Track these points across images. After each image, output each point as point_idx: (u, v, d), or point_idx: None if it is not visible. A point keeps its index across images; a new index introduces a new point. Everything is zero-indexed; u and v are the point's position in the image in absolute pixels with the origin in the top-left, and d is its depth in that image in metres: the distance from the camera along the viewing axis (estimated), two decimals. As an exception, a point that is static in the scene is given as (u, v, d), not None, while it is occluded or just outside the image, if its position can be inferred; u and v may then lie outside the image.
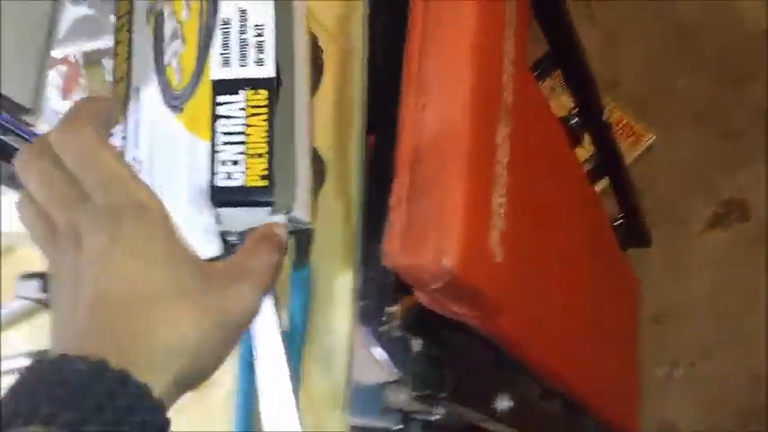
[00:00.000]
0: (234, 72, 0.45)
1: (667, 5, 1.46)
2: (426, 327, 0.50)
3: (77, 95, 0.65)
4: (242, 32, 0.46)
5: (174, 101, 0.47)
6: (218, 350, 0.34)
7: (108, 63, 0.63)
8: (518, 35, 0.57)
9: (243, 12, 0.46)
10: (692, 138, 1.36)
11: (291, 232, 0.50)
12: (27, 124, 0.56)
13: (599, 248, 0.97)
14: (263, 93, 0.44)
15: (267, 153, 0.43)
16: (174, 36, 0.48)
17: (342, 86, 0.58)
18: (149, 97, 0.48)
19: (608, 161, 0.98)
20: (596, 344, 0.87)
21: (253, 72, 0.45)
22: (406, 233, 0.43)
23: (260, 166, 0.43)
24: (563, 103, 1.21)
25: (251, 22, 0.46)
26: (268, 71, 0.45)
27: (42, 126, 0.63)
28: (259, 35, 0.45)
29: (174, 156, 0.46)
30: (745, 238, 1.28)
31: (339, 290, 0.51)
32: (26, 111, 0.55)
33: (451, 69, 0.47)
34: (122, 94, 0.50)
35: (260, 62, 0.45)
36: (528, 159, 0.55)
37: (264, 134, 0.44)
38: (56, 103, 0.63)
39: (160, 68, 0.48)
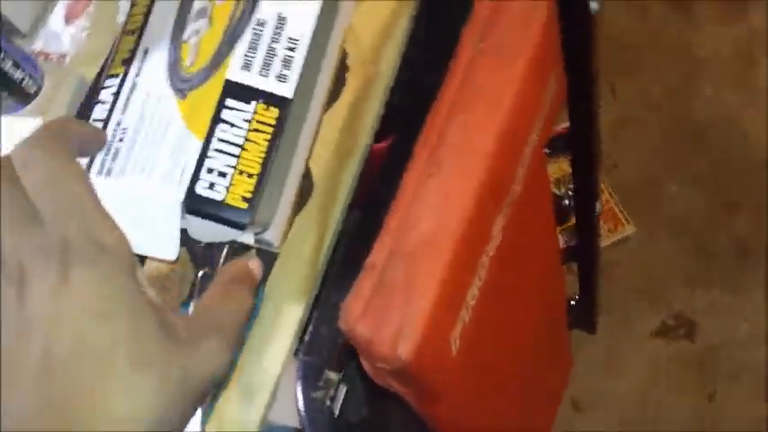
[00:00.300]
0: (252, 79, 0.42)
1: (685, 110, 1.46)
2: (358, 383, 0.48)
3: (81, 23, 0.61)
4: (274, 40, 0.42)
5: (181, 83, 0.43)
6: (182, 417, 0.29)
7: (124, 5, 0.59)
8: (547, 121, 0.55)
9: (282, 19, 0.43)
10: (667, 244, 1.36)
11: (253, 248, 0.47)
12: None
13: (547, 326, 0.96)
14: (275, 111, 0.41)
15: (258, 175, 0.40)
16: (202, 14, 0.45)
17: (356, 111, 0.55)
18: (155, 65, 0.45)
19: (583, 248, 0.97)
20: (517, 422, 0.86)
21: (271, 86, 0.42)
22: (372, 302, 0.41)
23: (246, 186, 0.40)
24: (561, 167, 1.19)
25: (286, 33, 0.43)
26: (287, 90, 0.42)
27: (36, 45, 0.59)
28: (290, 49, 0.42)
29: (160, 141, 0.42)
30: (685, 358, 1.29)
31: (284, 324, 0.48)
32: (21, 34, 0.51)
33: (471, 150, 0.45)
34: (128, 49, 0.47)
35: (282, 78, 0.42)
36: (513, 249, 0.53)
37: (262, 154, 0.41)
38: (57, 26, 0.59)
39: (176, 41, 0.45)
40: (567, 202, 0.87)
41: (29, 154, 0.30)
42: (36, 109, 0.54)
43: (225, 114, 0.41)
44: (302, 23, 0.43)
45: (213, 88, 0.42)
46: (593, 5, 0.59)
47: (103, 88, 0.46)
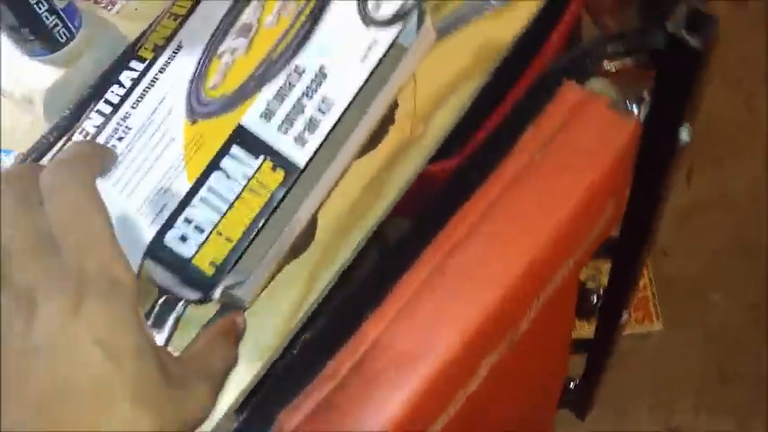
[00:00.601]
0: (267, 132, 0.36)
1: (759, 215, 1.36)
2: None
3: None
4: (306, 95, 0.37)
5: (197, 104, 0.38)
6: None
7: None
8: (589, 249, 0.49)
9: (322, 74, 0.37)
10: (690, 353, 1.28)
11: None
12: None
13: (532, 412, 0.91)
14: (280, 174, 0.36)
15: (238, 241, 0.35)
16: (244, 32, 0.40)
17: (387, 171, 0.50)
18: (181, 69, 0.40)
19: (597, 347, 0.91)
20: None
21: (286, 147, 0.36)
22: (311, 421, 0.36)
23: (221, 250, 0.35)
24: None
25: (323, 91, 0.37)
26: (302, 157, 0.36)
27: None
28: (321, 111, 0.37)
29: (154, 161, 0.37)
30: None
31: (231, 383, 0.44)
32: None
33: (491, 272, 0.39)
34: (164, 35, 0.42)
35: (300, 141, 0.37)
36: (501, 381, 0.47)
37: (249, 220, 0.36)
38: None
39: (210, 52, 0.40)
40: (594, 299, 0.80)
41: (58, 178, 0.31)
42: (61, 59, 0.50)
43: (225, 162, 0.36)
44: (343, 86, 0.37)
45: (224, 127, 0.37)
46: (684, 137, 0.52)
47: (127, 68, 0.42)
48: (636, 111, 0.53)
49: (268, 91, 0.37)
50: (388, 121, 0.50)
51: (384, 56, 0.38)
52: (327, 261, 0.48)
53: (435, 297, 0.39)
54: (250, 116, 0.37)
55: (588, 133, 0.44)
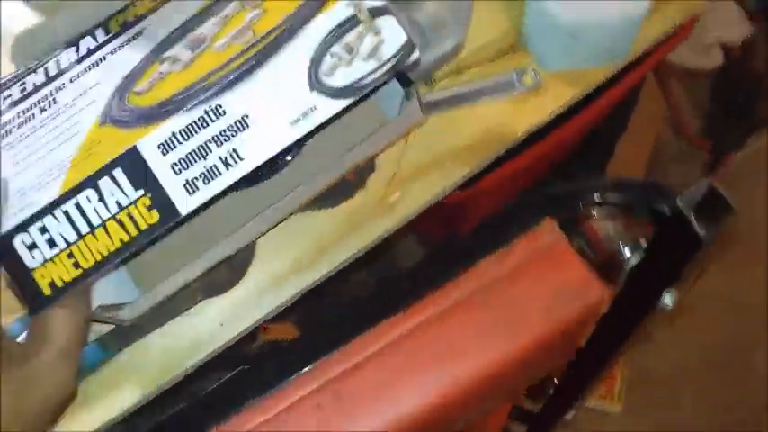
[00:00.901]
0: (159, 165, 0.32)
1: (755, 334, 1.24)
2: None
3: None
4: (215, 141, 0.32)
5: (115, 107, 0.34)
6: None
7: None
8: (522, 388, 0.43)
9: (243, 123, 0.33)
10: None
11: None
12: None
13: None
14: (155, 216, 0.32)
15: (85, 271, 0.32)
16: (194, 45, 0.35)
17: (346, 229, 0.45)
18: (125, 60, 0.36)
19: (541, 424, 0.85)
20: None
21: (172, 188, 0.32)
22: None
23: (66, 274, 0.32)
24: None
25: (236, 143, 0.32)
26: (185, 205, 0.32)
27: None
28: (226, 164, 0.32)
29: (47, 151, 0.34)
30: None
31: (113, 402, 0.41)
32: None
33: (389, 404, 0.35)
34: (137, 13, 0.38)
35: (190, 188, 0.32)
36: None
37: (106, 253, 0.32)
38: None
39: (157, 53, 0.35)
40: (546, 387, 0.74)
41: None
42: (42, 5, 0.46)
43: (103, 183, 0.32)
44: (260, 145, 0.33)
45: (121, 143, 0.33)
46: (667, 301, 0.45)
47: (90, 35, 0.39)
48: (628, 256, 0.47)
49: (178, 121, 0.33)
50: (356, 185, 0.45)
51: (323, 125, 0.33)
52: (245, 310, 0.44)
53: (317, 418, 0.35)
54: (148, 142, 0.33)
55: (548, 286, 0.38)
